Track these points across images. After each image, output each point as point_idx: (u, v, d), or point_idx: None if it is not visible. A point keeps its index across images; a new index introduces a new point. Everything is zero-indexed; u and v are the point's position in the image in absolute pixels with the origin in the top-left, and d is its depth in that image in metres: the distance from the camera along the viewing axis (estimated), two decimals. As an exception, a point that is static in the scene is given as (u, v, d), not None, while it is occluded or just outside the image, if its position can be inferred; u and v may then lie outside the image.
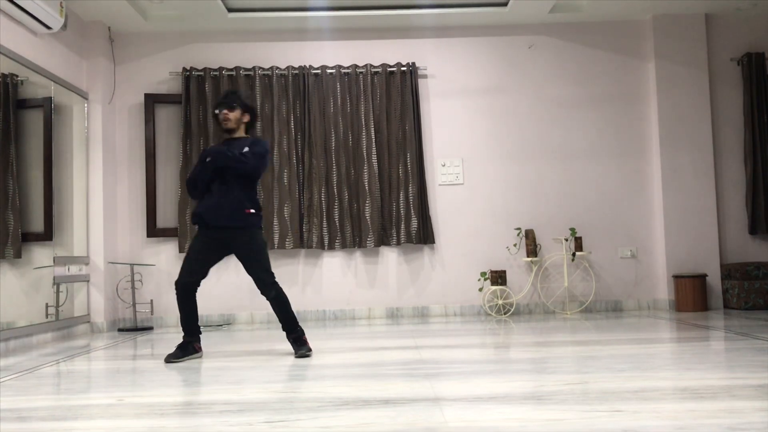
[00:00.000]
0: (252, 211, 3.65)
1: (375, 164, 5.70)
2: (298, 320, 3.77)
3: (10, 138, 4.64)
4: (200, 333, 3.80)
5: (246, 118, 3.74)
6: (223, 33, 5.90)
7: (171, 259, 5.73)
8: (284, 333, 3.76)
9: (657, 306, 5.83)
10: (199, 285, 3.72)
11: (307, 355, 3.64)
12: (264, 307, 5.71)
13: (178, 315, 3.75)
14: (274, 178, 5.69)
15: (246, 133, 3.79)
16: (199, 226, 3.73)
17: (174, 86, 5.84)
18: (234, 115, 3.68)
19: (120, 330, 5.43)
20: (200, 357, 3.74)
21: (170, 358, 3.63)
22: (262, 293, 3.67)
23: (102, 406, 2.50)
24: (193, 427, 2.10)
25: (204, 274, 3.73)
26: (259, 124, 5.72)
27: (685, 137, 5.84)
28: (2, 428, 2.17)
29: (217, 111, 3.70)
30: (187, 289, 3.66)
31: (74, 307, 5.21)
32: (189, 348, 3.70)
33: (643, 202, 5.92)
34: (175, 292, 3.69)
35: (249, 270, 3.67)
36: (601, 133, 5.95)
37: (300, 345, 3.69)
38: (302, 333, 3.74)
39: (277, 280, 3.71)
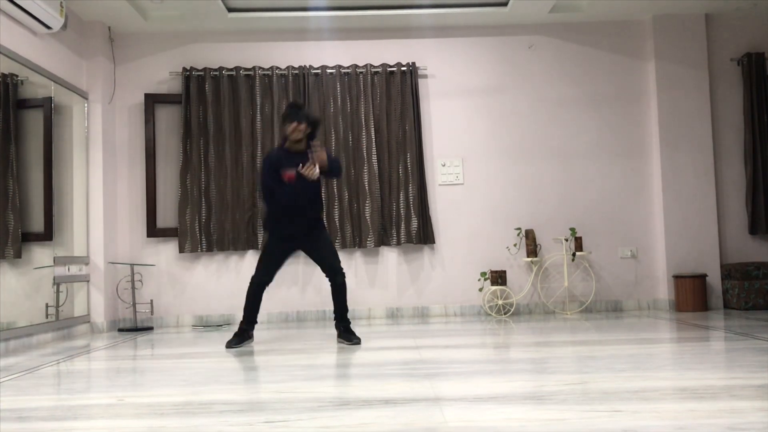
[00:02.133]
0: (323, 217, 4.26)
1: (375, 164, 5.70)
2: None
3: (10, 138, 4.65)
4: (256, 323, 4.26)
5: (308, 131, 4.07)
6: (223, 33, 5.90)
7: (171, 259, 5.73)
8: (334, 321, 4.25)
9: (657, 306, 5.83)
10: (271, 283, 4.23)
11: (359, 344, 4.07)
12: (264, 307, 5.71)
13: (244, 305, 4.23)
14: (274, 178, 5.69)
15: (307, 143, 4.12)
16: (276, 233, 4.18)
17: (174, 86, 5.84)
18: (304, 127, 4.02)
19: (120, 330, 5.43)
20: (252, 343, 4.28)
21: (230, 345, 4.10)
22: (333, 278, 4.16)
23: (102, 406, 2.50)
24: (193, 427, 2.10)
25: (276, 272, 4.23)
26: (259, 125, 5.73)
27: (685, 137, 5.83)
28: (2, 428, 2.17)
29: (286, 124, 4.02)
30: (262, 287, 4.19)
31: (74, 307, 5.21)
32: (245, 335, 4.19)
33: (643, 202, 5.92)
34: (249, 287, 4.19)
35: (324, 259, 4.18)
36: (601, 133, 5.95)
37: (352, 334, 4.16)
38: (350, 323, 4.25)
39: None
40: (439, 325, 5.05)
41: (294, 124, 3.96)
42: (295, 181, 3.94)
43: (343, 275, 4.17)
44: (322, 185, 4.24)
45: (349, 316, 4.27)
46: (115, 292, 5.57)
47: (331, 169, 4.00)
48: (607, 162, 5.93)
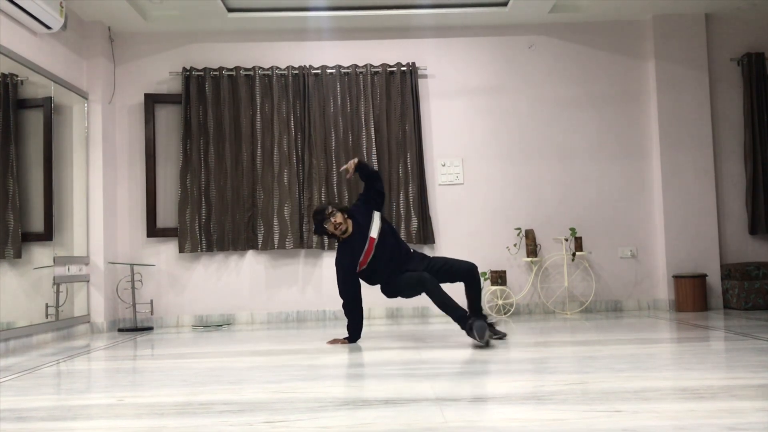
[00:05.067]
0: (413, 251, 4.24)
1: (375, 164, 5.70)
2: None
3: (10, 138, 4.64)
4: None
5: (346, 214, 4.10)
6: (223, 33, 5.90)
7: (171, 259, 5.73)
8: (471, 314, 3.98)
9: (657, 306, 5.83)
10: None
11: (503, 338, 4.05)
12: (264, 307, 5.73)
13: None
14: (274, 178, 5.69)
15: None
16: None
17: (174, 86, 5.84)
18: (341, 217, 4.05)
19: (120, 330, 5.43)
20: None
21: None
22: (470, 273, 4.15)
23: (102, 406, 2.50)
24: (193, 427, 2.10)
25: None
26: (259, 125, 5.73)
27: (685, 137, 5.83)
28: (2, 428, 2.17)
29: (325, 226, 4.03)
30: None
31: (74, 307, 5.21)
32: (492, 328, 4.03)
33: (643, 202, 5.92)
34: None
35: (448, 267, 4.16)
36: (601, 133, 5.95)
37: (493, 327, 4.06)
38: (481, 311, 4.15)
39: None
40: (439, 326, 5.04)
41: (331, 222, 4.02)
42: (372, 252, 4.06)
43: (428, 277, 4.06)
44: (389, 236, 4.16)
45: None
46: (115, 292, 5.57)
47: (363, 167, 4.14)
48: (607, 162, 5.93)
